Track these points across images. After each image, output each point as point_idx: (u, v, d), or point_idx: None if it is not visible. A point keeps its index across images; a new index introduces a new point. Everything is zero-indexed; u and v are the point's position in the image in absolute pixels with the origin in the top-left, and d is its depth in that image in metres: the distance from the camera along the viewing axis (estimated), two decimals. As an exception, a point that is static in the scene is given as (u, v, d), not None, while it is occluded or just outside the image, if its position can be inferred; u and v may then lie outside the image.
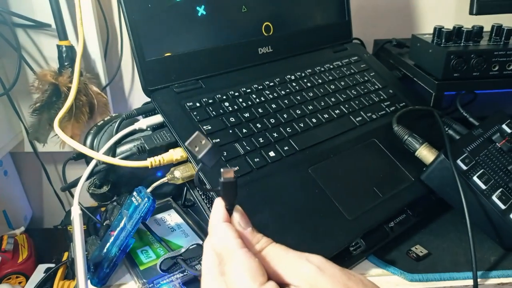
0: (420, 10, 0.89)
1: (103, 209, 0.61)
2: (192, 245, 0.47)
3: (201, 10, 0.54)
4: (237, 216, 0.31)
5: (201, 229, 0.51)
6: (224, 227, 0.30)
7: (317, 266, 0.28)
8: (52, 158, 0.92)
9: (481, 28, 0.63)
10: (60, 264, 0.75)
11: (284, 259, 0.29)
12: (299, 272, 0.28)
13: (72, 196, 0.54)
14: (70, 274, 0.77)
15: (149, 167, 0.46)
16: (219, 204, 0.31)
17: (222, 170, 0.29)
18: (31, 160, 0.90)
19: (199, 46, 0.55)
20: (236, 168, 0.28)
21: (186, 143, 0.30)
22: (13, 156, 0.92)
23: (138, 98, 0.89)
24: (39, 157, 0.85)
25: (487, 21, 0.66)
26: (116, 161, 0.46)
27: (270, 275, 0.28)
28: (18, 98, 0.78)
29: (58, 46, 0.72)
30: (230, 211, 0.31)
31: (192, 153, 0.30)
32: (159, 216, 0.53)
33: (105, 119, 0.59)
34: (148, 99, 0.53)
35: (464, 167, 0.48)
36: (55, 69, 0.73)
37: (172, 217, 0.53)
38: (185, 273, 0.44)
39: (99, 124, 0.57)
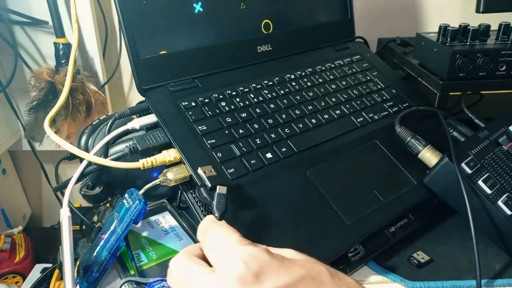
0: (425, 8, 0.87)
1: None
2: None
3: (198, 7, 0.53)
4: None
5: (196, 232, 0.49)
6: (209, 219, 0.35)
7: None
8: (51, 156, 0.91)
9: (488, 26, 0.61)
10: (56, 264, 0.75)
11: None
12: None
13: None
14: (66, 275, 0.76)
15: (141, 168, 0.44)
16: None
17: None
18: (29, 159, 0.89)
19: (195, 44, 0.54)
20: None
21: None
22: (12, 155, 0.92)
23: (138, 97, 0.86)
24: (37, 156, 0.84)
25: (495, 20, 0.63)
26: (106, 162, 0.44)
27: None
28: (16, 96, 0.78)
29: (55, 44, 0.71)
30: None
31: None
32: (153, 218, 0.52)
33: (101, 118, 0.58)
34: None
35: (469, 171, 0.46)
36: (52, 67, 0.72)
37: (166, 220, 0.52)
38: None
39: (94, 123, 0.56)
